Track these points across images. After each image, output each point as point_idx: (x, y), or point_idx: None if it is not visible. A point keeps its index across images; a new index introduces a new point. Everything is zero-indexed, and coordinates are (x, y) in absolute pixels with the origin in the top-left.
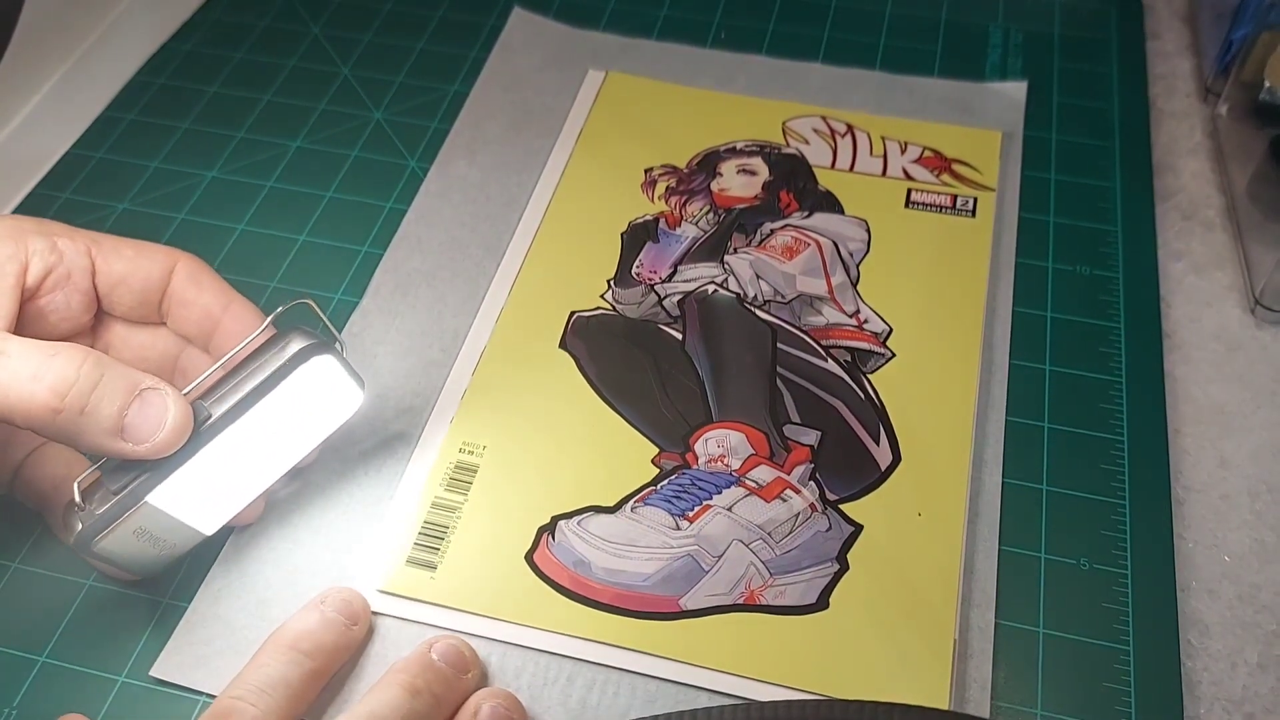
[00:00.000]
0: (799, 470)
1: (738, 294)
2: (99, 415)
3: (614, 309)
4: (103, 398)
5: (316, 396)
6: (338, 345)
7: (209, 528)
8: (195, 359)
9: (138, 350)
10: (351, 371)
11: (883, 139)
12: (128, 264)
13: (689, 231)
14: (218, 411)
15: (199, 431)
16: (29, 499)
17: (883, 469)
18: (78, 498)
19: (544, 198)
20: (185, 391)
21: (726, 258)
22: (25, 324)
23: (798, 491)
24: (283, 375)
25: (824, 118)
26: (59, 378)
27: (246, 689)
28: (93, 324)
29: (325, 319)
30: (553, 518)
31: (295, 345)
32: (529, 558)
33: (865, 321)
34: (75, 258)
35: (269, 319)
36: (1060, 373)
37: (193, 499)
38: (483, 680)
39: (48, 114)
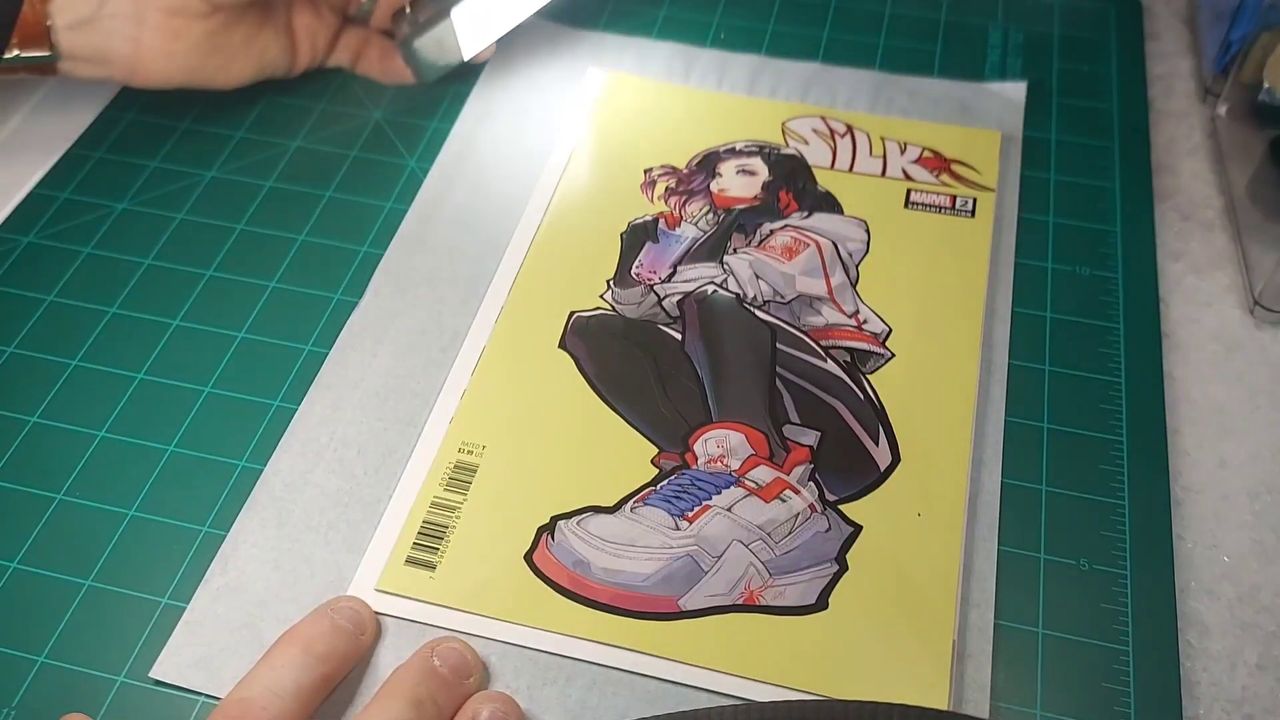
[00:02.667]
0: (798, 471)
1: (737, 294)
2: None
3: (613, 309)
4: None
5: None
6: None
7: (468, 53)
8: None
9: None
10: None
11: (882, 139)
12: None
13: (688, 232)
14: None
15: None
16: (370, 72)
17: (882, 469)
18: (408, 9)
19: (544, 198)
20: None
21: (726, 258)
22: None
23: (797, 492)
24: None
25: (823, 118)
26: None
27: (258, 690)
28: None
29: None
30: (552, 518)
31: None
32: (528, 558)
33: (865, 322)
34: None
35: None
36: (1059, 373)
37: (472, 24)
38: (484, 683)
39: (47, 113)
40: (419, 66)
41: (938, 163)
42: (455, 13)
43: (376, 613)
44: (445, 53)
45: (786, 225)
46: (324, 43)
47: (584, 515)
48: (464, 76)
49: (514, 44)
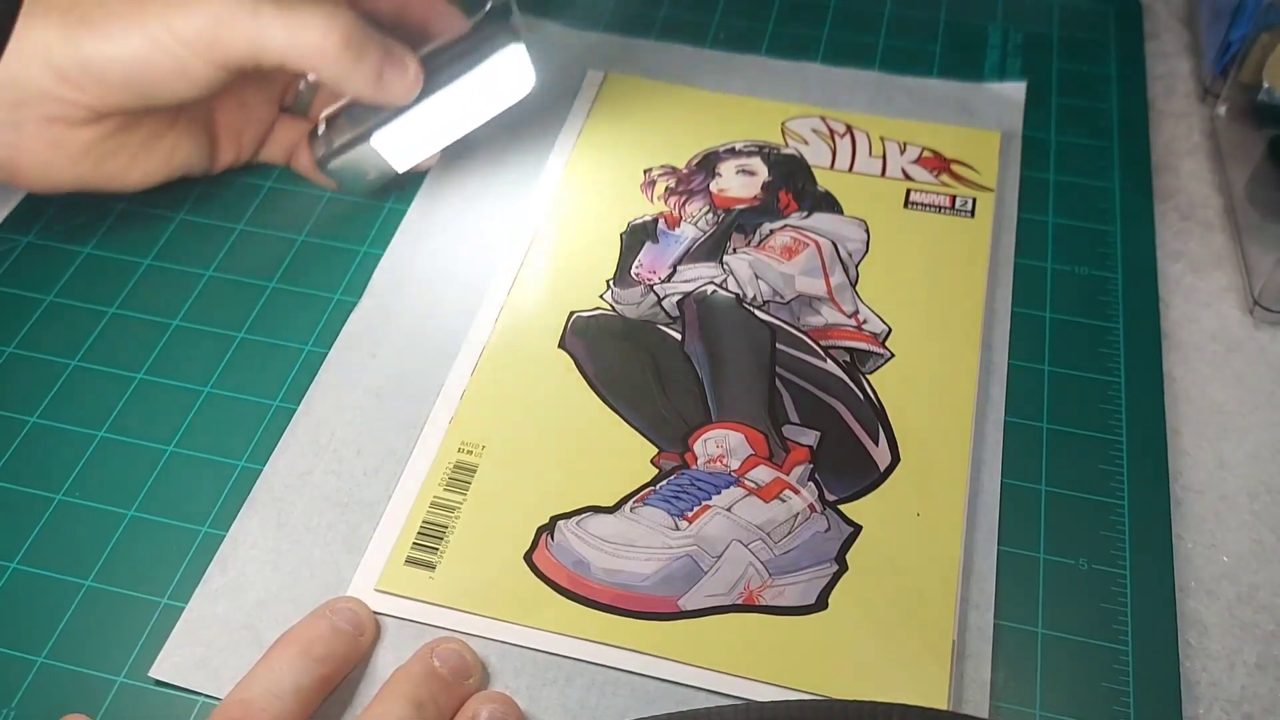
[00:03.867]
0: (798, 471)
1: (737, 294)
2: (367, 63)
3: (613, 309)
4: (369, 50)
5: (502, 78)
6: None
7: (401, 167)
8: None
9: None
10: (530, 62)
11: (882, 139)
12: None
13: (688, 232)
14: (433, 74)
15: (423, 88)
16: (276, 159)
17: (882, 469)
18: (321, 129)
19: (543, 198)
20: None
21: (725, 258)
22: None
23: (797, 492)
24: (481, 58)
25: (823, 118)
26: (345, 29)
27: (257, 692)
28: None
29: (517, 12)
30: (552, 518)
31: (495, 33)
32: (528, 558)
33: (864, 322)
34: None
35: (481, 13)
36: (1059, 373)
37: (396, 144)
38: (484, 684)
39: None
40: (342, 186)
41: (937, 163)
42: (377, 137)
43: (376, 613)
44: (370, 172)
45: (786, 225)
46: (252, 139)
47: (584, 515)
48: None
49: None
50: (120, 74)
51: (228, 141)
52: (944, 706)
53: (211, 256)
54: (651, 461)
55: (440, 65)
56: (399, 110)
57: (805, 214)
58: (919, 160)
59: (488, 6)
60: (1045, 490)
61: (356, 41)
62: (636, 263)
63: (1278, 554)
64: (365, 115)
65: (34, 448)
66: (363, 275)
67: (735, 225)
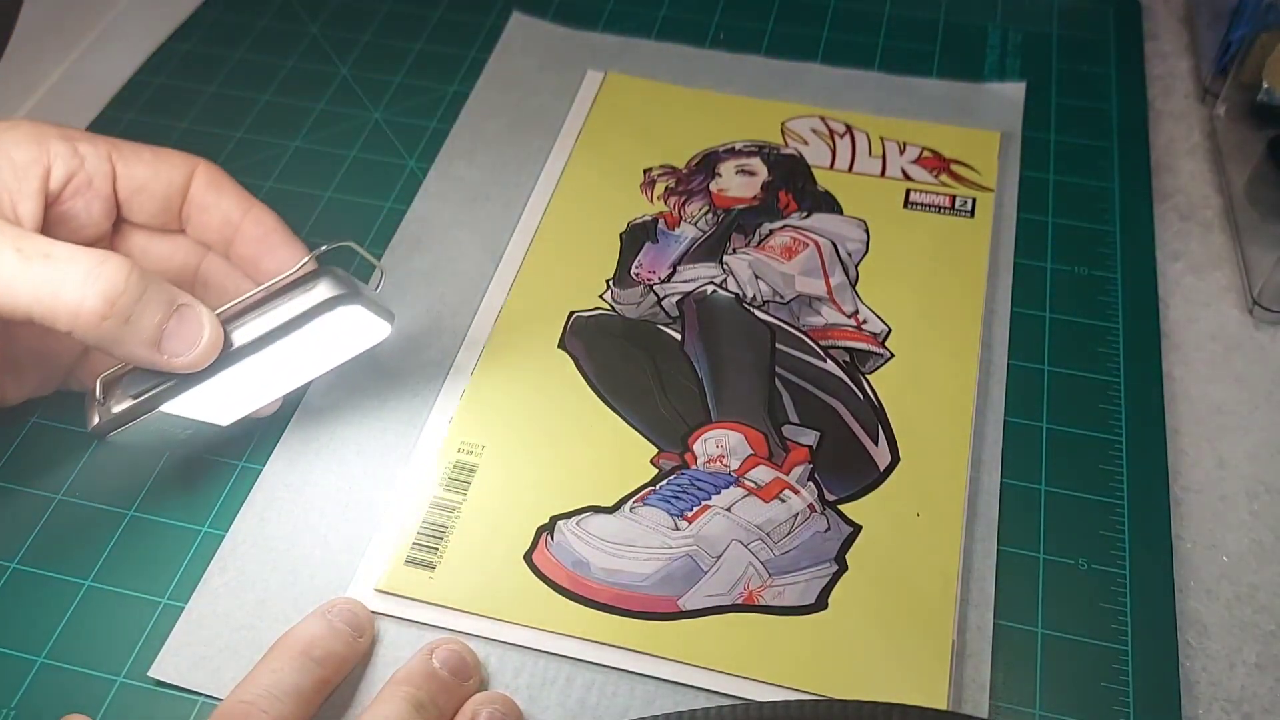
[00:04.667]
0: (798, 470)
1: (736, 294)
2: (140, 326)
3: (613, 309)
4: (146, 309)
5: (340, 333)
6: (378, 274)
7: (224, 421)
8: (217, 266)
9: (158, 259)
10: (379, 310)
11: (881, 139)
12: (148, 169)
13: (688, 232)
14: (242, 338)
15: (224, 355)
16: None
17: (881, 469)
18: (99, 394)
19: (543, 198)
20: (217, 312)
21: (725, 258)
22: (48, 230)
23: (796, 492)
24: (308, 319)
25: (823, 118)
26: (109, 284)
27: (258, 693)
28: (112, 232)
29: (369, 256)
30: (551, 518)
31: (324, 291)
32: (528, 558)
33: (864, 322)
34: (97, 163)
35: (310, 256)
36: (1059, 373)
37: (208, 406)
38: (483, 685)
39: (46, 114)
40: (138, 447)
41: (937, 163)
42: (170, 405)
43: (376, 613)
44: (177, 433)
45: (786, 225)
46: (57, 368)
47: (583, 515)
48: (463, 78)
49: (514, 44)
50: None
51: (16, 376)
52: (944, 706)
53: None
54: (651, 461)
55: (263, 317)
56: (198, 375)
57: (805, 214)
58: (919, 160)
59: (323, 249)
60: (1045, 490)
61: (128, 299)
62: (636, 263)
63: (1277, 554)
64: (152, 377)
65: (34, 447)
66: (362, 275)
67: (735, 225)
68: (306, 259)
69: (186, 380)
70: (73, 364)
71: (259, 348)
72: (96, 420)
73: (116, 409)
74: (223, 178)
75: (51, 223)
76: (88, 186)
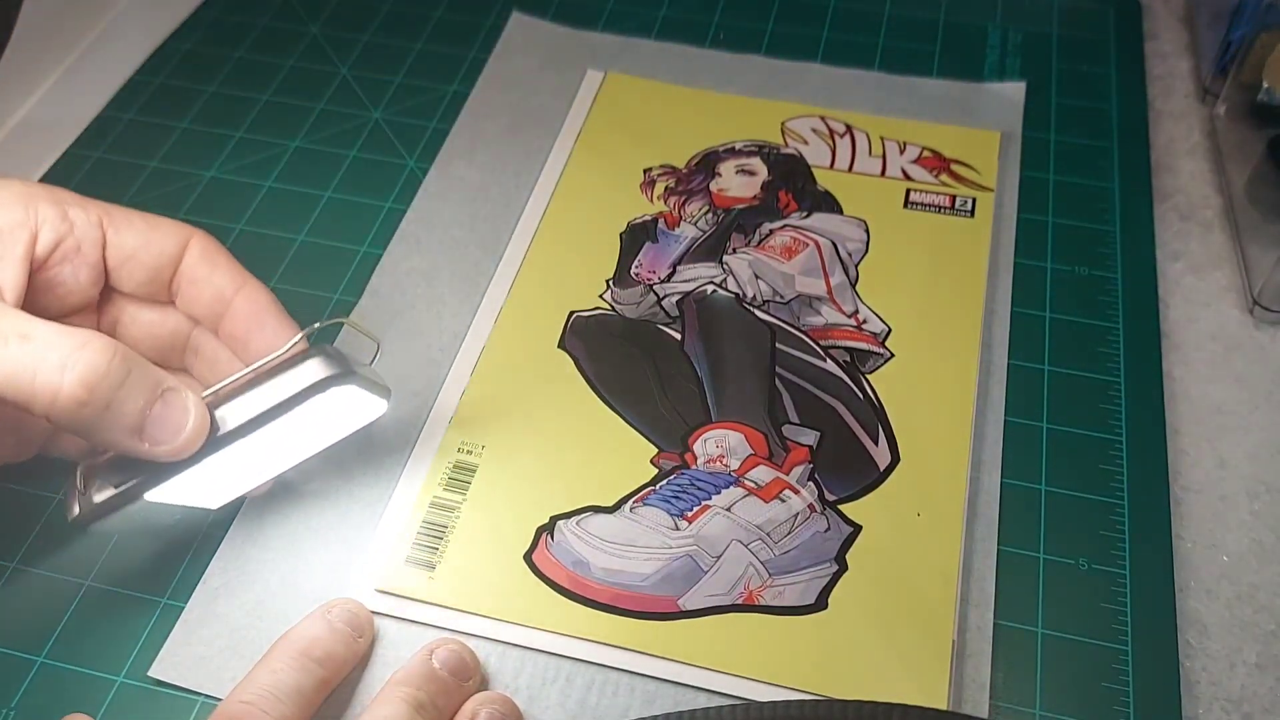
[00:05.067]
0: (798, 470)
1: (736, 294)
2: (122, 412)
3: (613, 309)
4: (128, 395)
5: (334, 413)
6: (375, 350)
7: (214, 504)
8: (206, 341)
9: (146, 329)
10: (374, 387)
11: (881, 139)
12: (140, 237)
13: (688, 232)
14: (232, 422)
15: (210, 440)
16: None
17: (881, 469)
18: (80, 483)
19: (543, 198)
20: (205, 395)
21: (725, 258)
22: (32, 296)
23: (796, 492)
24: (298, 400)
25: (823, 118)
26: (89, 369)
27: (259, 694)
28: (99, 300)
29: (364, 332)
30: (551, 518)
31: (316, 371)
32: (528, 557)
33: (864, 322)
34: (87, 228)
35: (301, 334)
36: (1059, 373)
37: (195, 491)
38: (483, 685)
39: (46, 113)
40: (124, 533)
41: (937, 163)
42: (154, 493)
43: (376, 613)
44: (164, 519)
45: (786, 225)
46: (33, 435)
47: (583, 515)
48: (462, 78)
49: (514, 44)
50: None
51: None
52: (944, 706)
53: None
54: (651, 461)
55: (252, 399)
56: (183, 462)
57: (805, 214)
58: (919, 160)
59: (315, 327)
60: (1045, 490)
61: (109, 385)
62: (636, 263)
63: (1278, 554)
64: (135, 464)
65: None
66: (362, 275)
67: (735, 225)
68: (298, 337)
69: (171, 467)
70: (51, 430)
71: (247, 432)
72: (77, 510)
73: (98, 498)
74: (217, 251)
75: (36, 288)
76: (76, 253)
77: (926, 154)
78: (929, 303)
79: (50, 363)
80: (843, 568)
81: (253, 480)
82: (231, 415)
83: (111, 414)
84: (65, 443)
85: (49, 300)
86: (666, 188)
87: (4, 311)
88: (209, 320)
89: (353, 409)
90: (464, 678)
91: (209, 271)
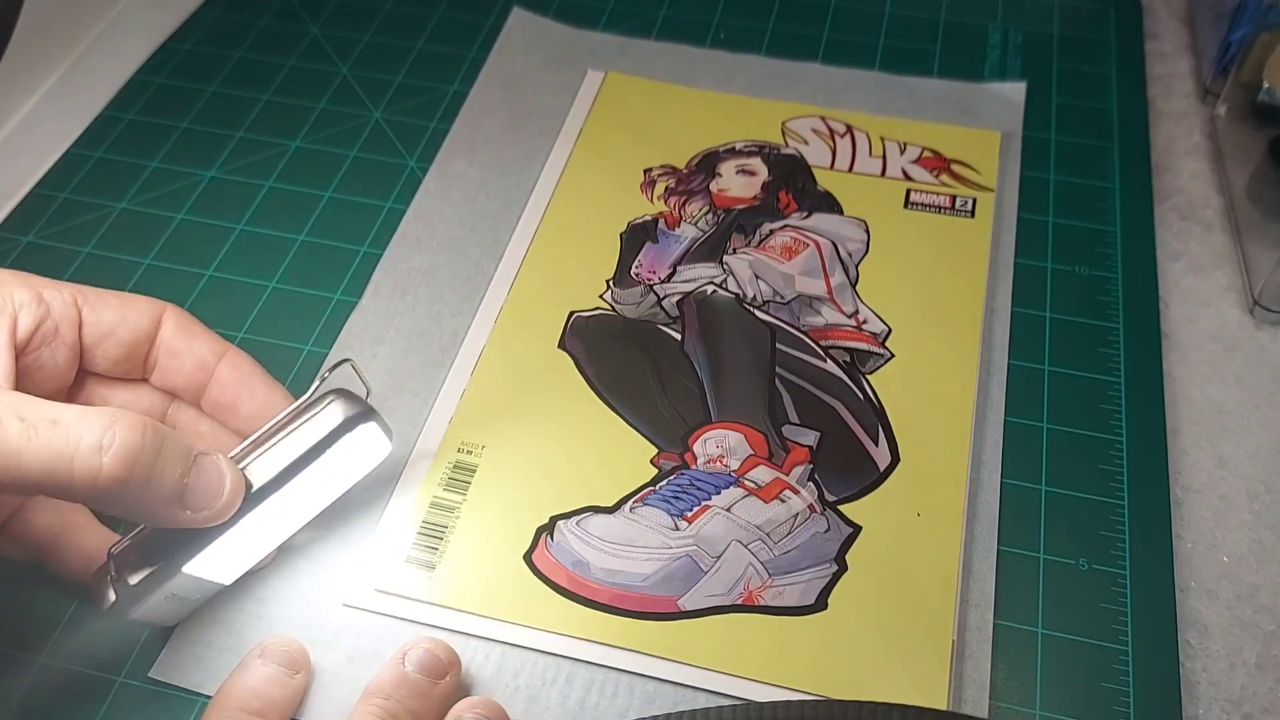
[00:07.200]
0: (798, 471)
1: (737, 294)
2: (162, 484)
3: (613, 309)
4: (165, 467)
5: (349, 457)
6: (366, 395)
7: (229, 579)
8: (183, 414)
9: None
10: (384, 426)
11: (882, 139)
12: (115, 314)
13: (688, 232)
14: (264, 476)
15: (247, 498)
16: (18, 553)
17: (881, 470)
18: (113, 570)
19: (543, 198)
20: (231, 455)
21: (725, 258)
22: (16, 384)
23: (796, 492)
24: (329, 443)
25: (823, 118)
26: (125, 446)
27: None
28: (71, 384)
29: (364, 379)
30: (551, 518)
31: (340, 412)
32: (527, 558)
33: (864, 322)
34: (63, 309)
35: (318, 383)
36: (1059, 373)
37: (223, 561)
38: (465, 681)
39: (47, 113)
40: (151, 623)
41: (937, 163)
42: (191, 565)
43: (376, 613)
44: (191, 596)
45: (786, 225)
46: None
47: (583, 515)
48: (463, 78)
49: (514, 42)
50: None
51: None
52: (944, 706)
53: (211, 257)
54: (651, 461)
55: (277, 452)
56: (219, 526)
57: (805, 214)
58: (919, 160)
59: (330, 369)
60: (1045, 490)
61: (147, 458)
62: (636, 263)
63: (1278, 554)
64: (168, 538)
65: None
66: (362, 275)
67: (735, 225)
68: (318, 382)
69: (205, 535)
70: (3, 524)
71: (281, 484)
72: (113, 598)
73: (134, 579)
74: (192, 322)
75: (19, 375)
76: (55, 335)
77: (927, 154)
78: (929, 303)
79: (86, 445)
80: (843, 568)
81: (268, 546)
82: (261, 471)
83: (152, 488)
84: (21, 531)
85: (29, 386)
86: (667, 188)
87: (24, 399)
88: (190, 392)
89: (365, 452)
90: (438, 675)
91: (188, 343)
